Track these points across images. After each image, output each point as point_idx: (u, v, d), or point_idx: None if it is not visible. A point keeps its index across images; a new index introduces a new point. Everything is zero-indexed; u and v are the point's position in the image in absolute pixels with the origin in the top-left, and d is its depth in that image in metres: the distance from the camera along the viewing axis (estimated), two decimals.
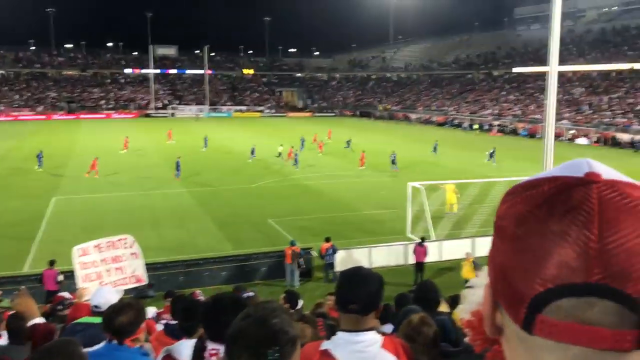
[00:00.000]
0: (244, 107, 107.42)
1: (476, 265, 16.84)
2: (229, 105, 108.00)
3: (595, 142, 60.55)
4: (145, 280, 12.08)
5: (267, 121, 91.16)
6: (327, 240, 18.92)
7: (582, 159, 0.83)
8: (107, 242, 11.53)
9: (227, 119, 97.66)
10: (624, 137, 59.17)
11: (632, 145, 56.09)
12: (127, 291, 12.76)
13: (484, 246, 21.46)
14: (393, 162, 39.13)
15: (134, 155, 46.18)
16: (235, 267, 18.85)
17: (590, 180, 0.78)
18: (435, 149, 48.09)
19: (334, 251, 18.62)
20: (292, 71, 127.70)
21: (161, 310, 10.37)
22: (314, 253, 19.79)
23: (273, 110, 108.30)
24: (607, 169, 0.81)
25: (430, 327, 4.01)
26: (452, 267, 19.82)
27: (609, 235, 0.73)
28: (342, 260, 18.99)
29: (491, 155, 43.88)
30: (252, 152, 43.59)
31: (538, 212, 0.78)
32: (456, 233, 23.22)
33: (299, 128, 75.27)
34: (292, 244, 18.86)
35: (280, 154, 44.48)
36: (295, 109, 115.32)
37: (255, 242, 22.14)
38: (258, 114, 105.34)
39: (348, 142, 50.73)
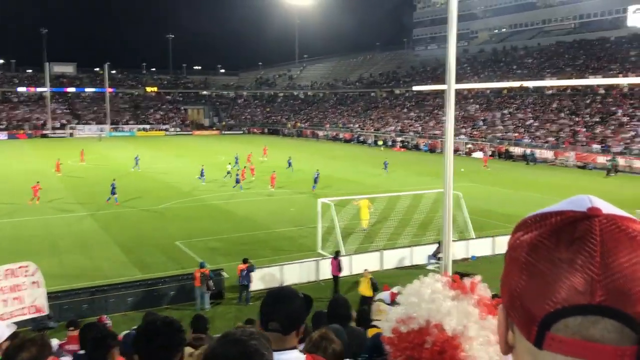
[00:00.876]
0: (147, 126, 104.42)
1: (373, 283, 17.06)
2: (131, 124, 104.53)
3: (490, 155, 64.17)
4: (45, 311, 11.39)
5: (174, 140, 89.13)
6: (245, 261, 18.66)
7: (584, 196, 0.95)
8: (5, 270, 10.75)
9: (131, 138, 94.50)
10: (516, 150, 63.23)
11: (524, 157, 59.97)
12: (25, 322, 11.95)
13: (392, 259, 22.10)
14: (315, 180, 38.13)
15: (66, 179, 43.43)
16: (142, 292, 18.16)
17: (593, 214, 0.89)
18: (385, 166, 47.64)
19: (250, 271, 18.38)
20: (198, 89, 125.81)
21: (63, 341, 9.79)
22: (225, 274, 19.47)
23: (178, 129, 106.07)
24: (606, 204, 0.94)
25: (331, 342, 4.01)
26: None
27: (609, 263, 0.84)
28: (255, 280, 18.84)
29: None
30: (202, 173, 41.40)
31: (547, 241, 0.89)
32: (365, 247, 23.71)
33: (214, 146, 74.25)
34: (202, 266, 18.42)
35: (229, 172, 43.22)
36: (201, 127, 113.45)
37: (163, 266, 21.48)
38: (162, 132, 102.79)
39: (289, 162, 47.88)
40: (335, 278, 19.29)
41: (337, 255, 19.61)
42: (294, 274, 20.21)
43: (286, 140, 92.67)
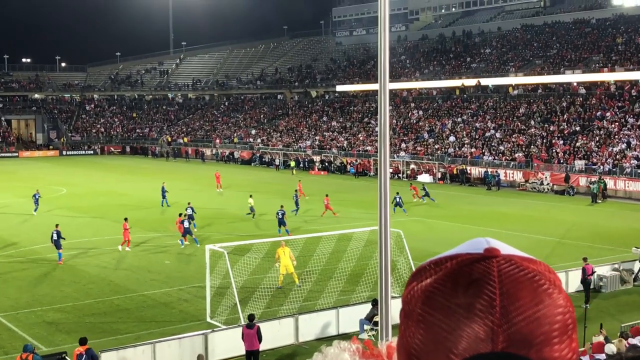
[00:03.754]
0: None
1: None
2: None
3: (440, 179, 66.18)
4: None
5: None
6: (82, 342, 18.01)
7: (481, 238, 1.20)
8: None
9: None
10: (474, 171, 65.52)
11: (484, 181, 62.22)
12: None
13: (312, 326, 22.16)
14: (282, 222, 37.33)
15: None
16: None
17: (490, 255, 1.13)
18: (398, 204, 44.60)
19: (92, 357, 17.75)
20: (26, 90, 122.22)
21: None
22: None
23: None
24: (505, 246, 1.18)
25: None
26: (280, 357, 20.12)
27: (509, 305, 1.07)
28: None
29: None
30: (189, 213, 37.84)
31: (443, 287, 1.11)
32: (273, 311, 23.70)
33: (51, 174, 71.92)
34: (27, 349, 17.73)
35: (252, 209, 42.85)
36: (32, 145, 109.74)
37: None
38: None
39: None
40: (253, 355, 19.15)
41: (251, 320, 19.42)
42: (172, 354, 19.86)
43: (157, 162, 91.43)
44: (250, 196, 44.06)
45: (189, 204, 38.93)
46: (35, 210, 44.59)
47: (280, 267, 26.93)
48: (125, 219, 34.93)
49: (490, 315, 1.05)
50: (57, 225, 32.81)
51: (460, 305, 1.07)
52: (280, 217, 37.67)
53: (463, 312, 1.07)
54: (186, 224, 35.30)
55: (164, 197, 48.13)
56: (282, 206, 38.48)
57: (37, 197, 45.03)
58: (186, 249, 34.55)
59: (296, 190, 46.01)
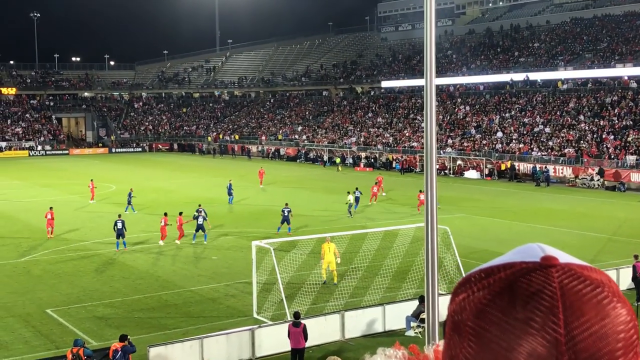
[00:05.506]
0: (3, 143, 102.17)
1: None
2: None
3: (488, 175, 65.55)
4: None
5: (42, 162, 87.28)
6: (122, 338, 18.18)
7: (533, 244, 1.10)
8: None
9: None
10: (523, 166, 64.79)
11: (533, 177, 61.47)
12: None
13: (358, 323, 22.14)
14: (286, 220, 36.63)
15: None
16: None
17: (548, 264, 1.03)
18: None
19: (128, 352, 17.93)
20: (76, 89, 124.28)
21: None
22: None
23: (48, 147, 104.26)
24: (561, 253, 1.07)
25: None
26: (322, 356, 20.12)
27: (574, 320, 0.96)
28: None
29: None
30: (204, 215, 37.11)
31: (499, 300, 1.01)
32: (320, 307, 23.72)
33: (101, 171, 73.13)
34: (77, 344, 17.96)
35: (352, 204, 42.55)
36: (82, 143, 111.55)
37: (27, 346, 21.05)
38: (26, 152, 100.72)
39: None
40: (299, 353, 19.19)
41: (297, 318, 19.43)
42: (220, 350, 19.99)
43: (204, 159, 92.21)
44: (348, 193, 43.37)
45: (199, 205, 38.51)
46: (127, 209, 43.73)
47: (323, 262, 27.01)
48: (165, 214, 35.51)
49: (554, 332, 0.95)
50: (119, 215, 34.35)
51: (519, 320, 0.97)
52: (286, 214, 37.08)
53: (522, 327, 0.97)
54: (200, 220, 35.81)
55: (230, 194, 48.57)
56: (286, 204, 38.12)
57: (130, 195, 44.80)
58: (196, 245, 34.82)
59: (357, 188, 45.11)
